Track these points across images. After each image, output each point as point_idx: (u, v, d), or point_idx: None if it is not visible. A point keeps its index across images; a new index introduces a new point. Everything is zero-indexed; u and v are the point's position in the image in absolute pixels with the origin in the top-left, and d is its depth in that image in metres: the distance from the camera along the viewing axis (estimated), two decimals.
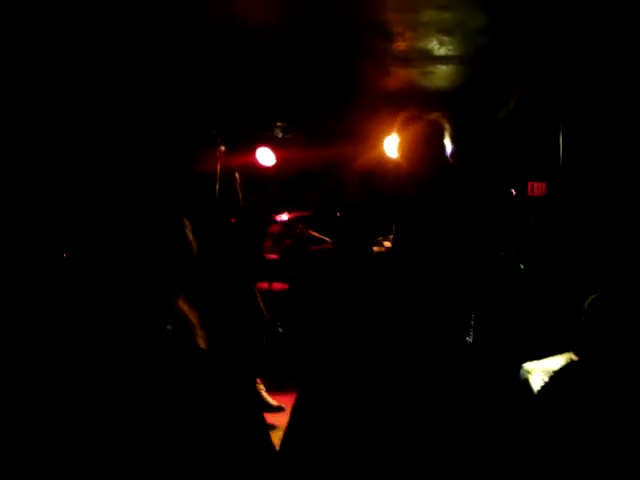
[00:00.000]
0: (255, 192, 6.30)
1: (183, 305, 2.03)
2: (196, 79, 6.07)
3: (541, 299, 4.91)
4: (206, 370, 1.79)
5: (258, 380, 4.65)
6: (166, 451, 1.64)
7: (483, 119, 6.79)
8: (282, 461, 2.97)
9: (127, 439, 1.62)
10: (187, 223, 1.92)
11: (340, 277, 4.85)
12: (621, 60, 5.19)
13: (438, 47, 5.43)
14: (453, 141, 4.05)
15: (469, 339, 3.97)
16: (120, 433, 1.62)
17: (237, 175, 4.91)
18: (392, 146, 5.86)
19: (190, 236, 1.92)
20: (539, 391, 2.77)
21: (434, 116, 4.06)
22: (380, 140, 5.99)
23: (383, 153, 5.93)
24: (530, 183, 5.90)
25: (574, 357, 3.02)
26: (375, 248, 4.54)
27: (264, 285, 5.86)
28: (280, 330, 6.04)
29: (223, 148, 4.69)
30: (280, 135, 6.81)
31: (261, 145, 6.65)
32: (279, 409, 4.54)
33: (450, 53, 5.56)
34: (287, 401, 4.42)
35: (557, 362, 3.13)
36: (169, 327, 1.88)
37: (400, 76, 6.24)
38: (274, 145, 6.75)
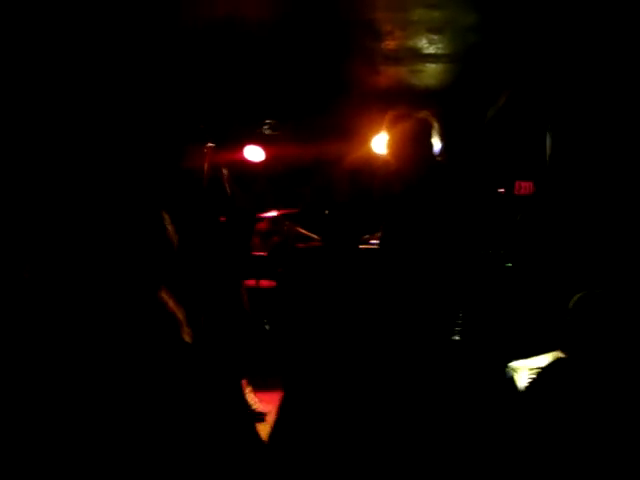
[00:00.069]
0: (243, 189, 6.29)
1: (169, 301, 2.02)
2: (185, 75, 6.05)
3: (528, 297, 4.93)
4: (191, 364, 1.79)
5: (244, 382, 4.63)
6: (153, 441, 1.64)
7: (472, 118, 6.80)
8: (269, 455, 2.97)
9: (112, 430, 1.62)
10: (167, 217, 1.92)
11: (327, 274, 4.85)
12: (609, 59, 5.21)
13: (427, 45, 5.43)
14: (441, 139, 4.06)
15: (457, 337, 3.98)
16: (104, 425, 1.62)
17: (225, 171, 4.90)
18: (381, 144, 5.87)
19: (169, 229, 1.92)
20: (526, 387, 2.79)
21: (423, 114, 4.06)
22: (369, 138, 5.99)
23: (372, 151, 5.94)
24: (517, 182, 5.91)
25: (560, 355, 3.03)
26: (362, 246, 4.55)
27: (251, 282, 5.85)
28: (267, 327, 6.03)
29: (211, 144, 4.68)
30: (269, 132, 6.80)
31: (250, 142, 6.64)
32: (261, 416, 4.49)
33: (439, 51, 5.56)
34: (274, 398, 4.42)
35: (543, 361, 3.15)
36: (155, 321, 1.88)
37: (389, 74, 6.24)
38: (263, 142, 6.74)
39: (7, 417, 1.65)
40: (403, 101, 4.44)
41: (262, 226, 6.32)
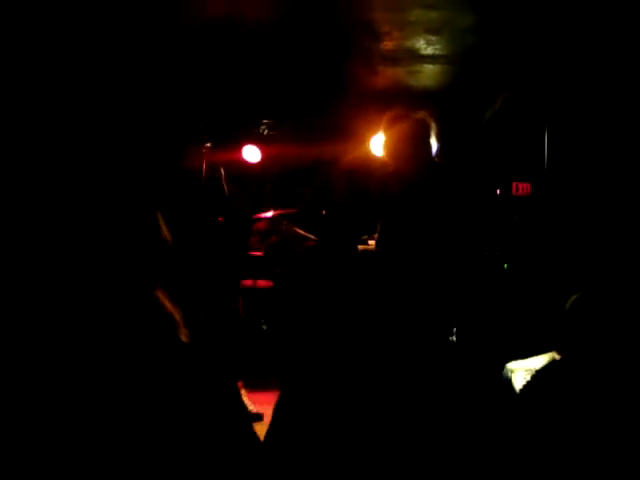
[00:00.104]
0: (241, 189, 6.30)
1: (166, 302, 2.03)
2: (183, 75, 6.05)
3: (524, 298, 4.94)
4: (188, 364, 1.79)
5: (239, 384, 4.63)
6: (149, 441, 1.64)
7: (470, 119, 6.81)
8: (267, 455, 2.97)
9: (108, 431, 1.62)
10: (160, 217, 1.92)
11: (325, 275, 4.85)
12: (607, 61, 5.22)
13: (425, 46, 5.43)
14: (439, 140, 4.06)
15: (453, 338, 3.98)
16: (101, 425, 1.62)
17: (223, 171, 4.90)
18: (378, 144, 5.87)
19: (163, 228, 1.93)
20: (521, 389, 2.79)
21: (421, 115, 4.06)
22: (366, 138, 5.99)
23: (369, 151, 5.94)
24: (515, 183, 5.92)
25: (557, 356, 3.04)
26: (360, 246, 4.55)
27: (248, 282, 5.85)
28: (264, 327, 6.04)
29: (209, 144, 4.69)
30: (267, 132, 6.80)
31: (248, 142, 6.64)
32: (257, 417, 4.51)
33: (437, 52, 5.57)
34: (271, 399, 4.42)
35: (540, 361, 3.15)
36: (151, 321, 1.88)
37: (387, 75, 6.25)
38: (261, 142, 6.75)
39: (4, 417, 1.65)
40: (401, 102, 4.45)
41: (260, 226, 6.33)
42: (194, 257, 4.44)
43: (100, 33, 5.07)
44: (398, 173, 4.09)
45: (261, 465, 1.84)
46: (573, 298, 2.70)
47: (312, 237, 5.69)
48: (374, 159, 5.70)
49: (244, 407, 4.53)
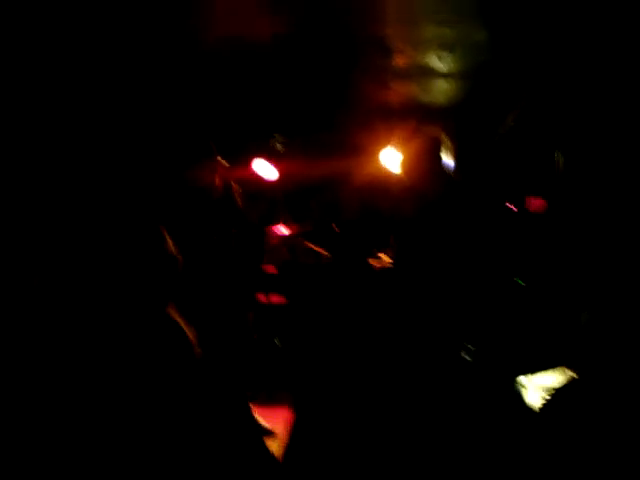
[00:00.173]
0: (253, 205, 6.31)
1: (180, 320, 2.03)
2: (194, 93, 6.08)
3: (538, 314, 4.90)
4: (201, 381, 1.79)
5: (251, 400, 4.62)
6: (163, 456, 1.64)
7: (482, 135, 6.80)
8: (281, 471, 2.97)
9: (122, 447, 1.62)
10: (168, 238, 1.93)
11: (338, 290, 4.85)
12: (622, 76, 5.21)
13: (438, 63, 5.44)
14: (454, 156, 4.06)
15: (467, 356, 3.97)
16: (116, 442, 1.62)
17: (235, 185, 4.91)
18: (391, 160, 5.87)
19: (171, 250, 1.93)
20: (540, 410, 2.77)
21: (435, 131, 4.06)
22: (378, 154, 5.99)
23: (381, 167, 5.94)
24: (529, 199, 5.90)
25: (567, 371, 3.02)
26: (372, 262, 4.55)
27: (262, 298, 5.84)
28: (278, 344, 6.02)
29: (221, 160, 4.70)
30: (278, 148, 6.81)
31: (260, 158, 6.65)
32: (269, 432, 4.49)
33: (450, 69, 5.57)
34: (284, 414, 4.41)
35: (551, 377, 3.13)
36: (165, 339, 1.88)
37: (399, 91, 6.26)
38: (272, 158, 6.76)
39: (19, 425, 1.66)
40: (412, 118, 4.46)
41: (273, 242, 6.33)
42: (206, 273, 4.44)
43: (117, 52, 5.11)
44: (413, 190, 4.08)
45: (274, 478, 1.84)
46: (587, 314, 2.69)
47: (324, 252, 5.69)
48: (386, 175, 5.70)
49: (256, 423, 4.52)
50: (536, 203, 5.86)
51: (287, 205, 7.22)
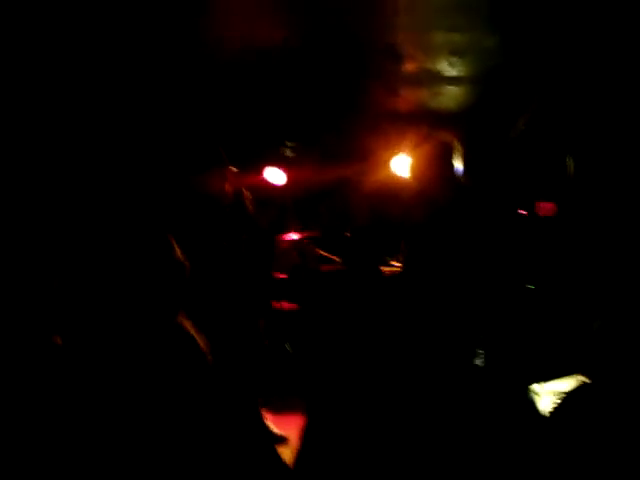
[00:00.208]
0: (263, 211, 6.32)
1: (191, 329, 2.04)
2: (205, 100, 6.10)
3: (550, 320, 4.89)
4: (213, 388, 1.80)
5: (263, 407, 4.62)
6: (174, 464, 1.65)
7: (493, 139, 6.79)
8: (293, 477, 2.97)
9: (132, 456, 1.63)
10: (175, 246, 1.94)
11: (349, 297, 4.84)
12: (633, 81, 5.20)
13: (449, 68, 5.44)
14: (464, 161, 4.05)
15: (479, 362, 3.95)
16: (126, 452, 1.63)
17: (246, 192, 4.92)
18: (401, 166, 5.87)
19: (178, 257, 1.94)
20: (550, 413, 2.76)
21: (446, 136, 4.05)
22: (388, 160, 6.00)
23: (392, 173, 5.94)
24: (539, 203, 5.89)
25: (582, 379, 3.01)
26: (384, 268, 4.54)
27: (272, 304, 5.85)
28: (289, 350, 6.03)
29: (232, 167, 4.70)
30: (289, 154, 6.83)
31: (270, 164, 6.67)
32: (282, 439, 4.49)
33: (461, 74, 5.57)
34: (295, 421, 4.41)
35: (565, 384, 3.12)
36: (176, 347, 1.89)
37: (409, 96, 6.27)
38: (283, 164, 6.78)
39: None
40: (423, 123, 4.46)
41: (283, 248, 6.33)
42: (217, 279, 4.44)
43: (126, 58, 5.13)
44: (423, 195, 4.08)
45: None
46: (601, 320, 2.67)
47: (335, 259, 5.69)
48: (397, 181, 5.70)
49: (268, 430, 4.52)
50: (547, 207, 5.85)
51: (297, 211, 7.24)
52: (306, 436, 3.62)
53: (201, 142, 4.95)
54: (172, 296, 1.90)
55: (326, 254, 5.85)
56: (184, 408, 1.72)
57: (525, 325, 4.69)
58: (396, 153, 5.84)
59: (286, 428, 4.49)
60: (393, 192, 5.76)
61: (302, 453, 3.48)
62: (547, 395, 3.31)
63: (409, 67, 5.44)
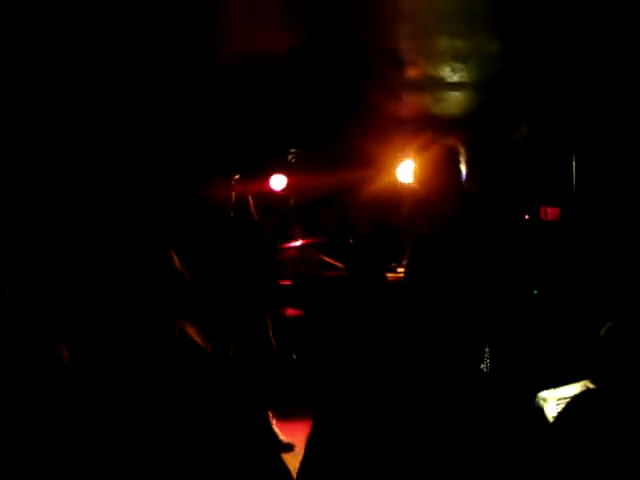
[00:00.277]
0: (267, 218, 6.33)
1: (195, 335, 2.04)
2: (210, 107, 6.10)
3: (555, 325, 4.89)
4: (220, 394, 1.80)
5: (270, 414, 4.62)
6: (181, 472, 1.65)
7: (496, 145, 6.79)
8: None
9: (139, 462, 1.63)
10: (175, 257, 1.95)
11: (353, 303, 4.84)
12: (635, 85, 5.20)
13: (451, 74, 5.44)
14: (468, 166, 4.04)
15: (485, 368, 3.95)
16: (133, 460, 1.63)
17: (251, 200, 4.92)
18: (405, 172, 5.87)
19: (177, 268, 1.95)
20: (555, 418, 2.76)
21: (450, 141, 4.04)
22: (391, 165, 6.00)
23: (395, 179, 5.94)
24: (543, 208, 5.89)
25: (590, 385, 3.00)
26: (389, 274, 4.54)
27: (277, 311, 5.84)
28: (294, 357, 6.03)
29: (237, 176, 4.71)
30: (293, 161, 6.83)
31: (275, 171, 6.68)
32: (289, 447, 4.48)
33: (463, 79, 5.57)
34: (300, 428, 4.39)
35: (573, 390, 3.11)
36: (181, 355, 1.89)
37: (412, 102, 6.26)
38: (288, 171, 6.78)
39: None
40: (426, 129, 4.45)
41: (288, 255, 6.33)
42: (221, 287, 4.44)
43: (130, 66, 5.14)
44: (429, 200, 4.07)
45: None
46: (608, 326, 2.66)
47: (339, 265, 5.69)
48: (400, 187, 5.70)
49: (275, 437, 4.51)
50: (551, 212, 5.85)
51: (301, 218, 7.24)
52: (310, 443, 3.61)
53: (206, 151, 4.97)
54: (171, 305, 1.91)
55: (330, 261, 5.85)
56: (188, 414, 1.72)
57: (531, 331, 4.69)
58: (400, 159, 5.84)
59: (293, 436, 4.49)
60: (397, 198, 5.76)
61: (306, 461, 3.47)
62: (554, 401, 3.30)
63: (412, 73, 5.44)
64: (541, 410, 3.34)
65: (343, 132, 6.73)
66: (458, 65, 5.22)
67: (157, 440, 1.67)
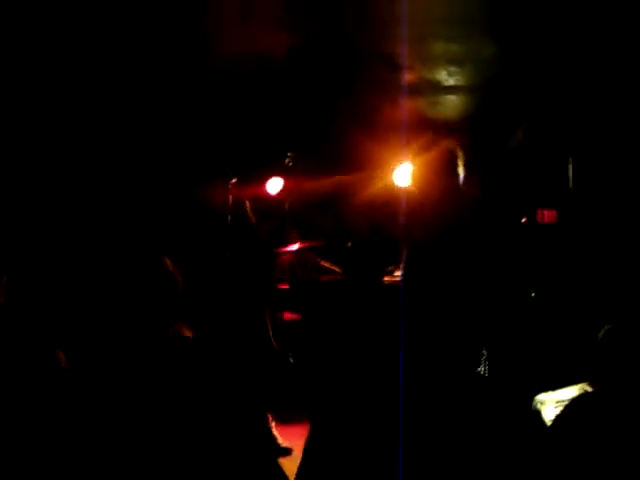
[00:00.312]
0: (264, 222, 6.32)
1: (192, 337, 2.04)
2: (208, 110, 6.10)
3: (553, 328, 4.89)
4: (218, 396, 1.80)
5: (269, 416, 4.62)
6: (178, 472, 1.65)
7: (493, 148, 6.80)
8: None
9: (139, 463, 1.63)
10: (167, 259, 1.96)
11: (351, 307, 4.84)
12: (631, 88, 5.21)
13: (447, 78, 5.45)
14: (466, 169, 4.04)
15: (482, 370, 3.94)
16: (132, 462, 1.63)
17: (248, 203, 4.93)
18: (402, 176, 5.87)
19: (170, 273, 1.96)
20: (553, 421, 2.76)
21: (450, 143, 4.03)
22: (387, 169, 6.00)
23: (392, 182, 5.94)
24: (540, 210, 5.89)
25: (588, 388, 3.00)
26: (386, 278, 4.53)
27: (274, 314, 5.84)
28: (291, 360, 6.02)
29: (234, 180, 4.72)
30: (290, 165, 6.83)
31: (271, 175, 6.68)
32: (287, 451, 4.48)
33: (459, 83, 5.58)
34: (298, 432, 4.39)
35: (570, 393, 3.11)
36: (177, 357, 1.90)
37: (408, 106, 6.26)
38: (284, 175, 6.78)
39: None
40: (423, 132, 4.45)
41: (285, 259, 6.33)
42: (219, 290, 4.45)
43: (128, 69, 5.14)
44: (428, 203, 4.06)
45: None
46: (606, 329, 2.66)
47: (337, 269, 5.69)
48: (398, 190, 5.69)
49: (273, 440, 4.51)
50: (548, 215, 5.86)
51: (298, 222, 7.23)
52: (308, 448, 3.61)
53: (203, 155, 4.97)
54: (164, 309, 1.92)
55: (327, 264, 5.85)
56: (185, 416, 1.72)
57: (529, 333, 4.69)
58: (396, 162, 5.84)
59: (292, 440, 4.48)
60: (394, 202, 5.76)
61: (304, 465, 3.47)
62: (552, 404, 3.30)
63: (408, 77, 5.45)
64: (539, 413, 3.34)
65: (339, 136, 6.73)
66: (454, 69, 5.23)
67: (154, 443, 1.67)
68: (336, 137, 6.78)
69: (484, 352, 4.03)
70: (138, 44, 4.79)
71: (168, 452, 1.67)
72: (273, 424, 4.66)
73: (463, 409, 3.73)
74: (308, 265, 5.80)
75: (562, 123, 5.89)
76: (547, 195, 5.98)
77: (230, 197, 4.67)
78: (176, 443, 1.68)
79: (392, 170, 5.96)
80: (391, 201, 5.54)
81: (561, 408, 2.93)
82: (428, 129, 5.88)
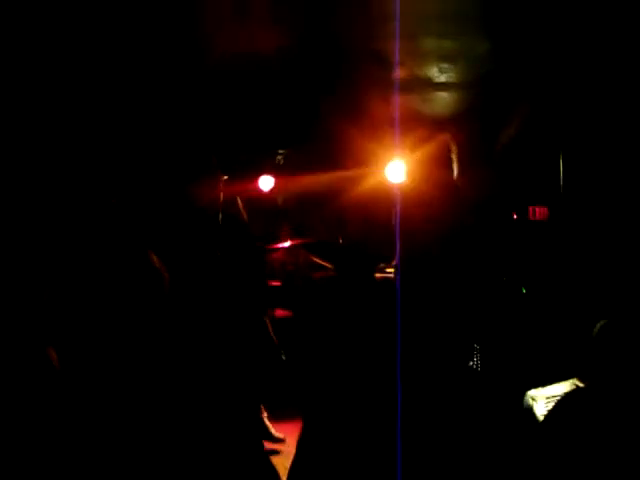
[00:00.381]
0: (257, 219, 6.32)
1: (183, 334, 2.04)
2: (199, 107, 6.09)
3: (544, 324, 4.90)
4: (212, 390, 1.80)
5: (262, 407, 4.63)
6: (172, 466, 1.65)
7: (484, 144, 6.80)
8: None
9: (134, 459, 1.63)
10: (154, 258, 1.96)
11: (343, 304, 4.84)
12: (622, 85, 5.22)
13: (439, 74, 5.45)
14: (458, 165, 4.04)
15: (474, 365, 3.95)
16: (128, 456, 1.63)
17: (239, 200, 4.92)
18: (394, 172, 5.87)
19: (156, 269, 1.96)
20: (544, 417, 2.76)
21: (443, 137, 4.03)
22: (380, 165, 6.00)
23: (385, 179, 5.94)
24: (531, 207, 5.90)
25: (579, 383, 3.01)
26: (378, 275, 4.53)
27: (267, 311, 5.83)
28: (283, 357, 6.02)
29: (224, 177, 4.71)
30: (281, 162, 6.83)
31: (263, 172, 6.68)
32: (280, 440, 4.50)
33: (451, 80, 5.59)
34: (291, 429, 4.40)
35: (561, 389, 3.13)
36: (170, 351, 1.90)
37: (400, 103, 6.26)
38: (276, 172, 6.78)
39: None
40: (415, 129, 4.45)
41: (277, 256, 6.33)
42: (209, 288, 4.44)
43: (120, 65, 5.12)
44: (422, 198, 4.06)
45: None
46: (599, 325, 2.66)
47: (329, 266, 5.69)
48: (389, 187, 5.69)
49: (266, 430, 4.52)
50: (539, 211, 5.87)
51: (290, 218, 7.24)
52: (301, 444, 3.62)
53: (194, 152, 4.95)
54: (152, 306, 1.92)
55: (319, 261, 5.84)
56: (177, 411, 1.72)
57: (520, 329, 4.70)
58: (387, 159, 5.84)
59: (285, 436, 4.49)
60: (386, 198, 5.75)
61: (297, 461, 3.47)
62: (543, 399, 3.31)
63: (400, 73, 5.45)
64: (530, 408, 3.35)
65: (331, 133, 6.73)
66: (446, 65, 5.24)
67: (146, 435, 1.67)
68: (328, 134, 6.78)
69: (476, 347, 4.05)
70: (125, 42, 4.78)
71: (161, 442, 1.67)
72: (265, 414, 4.67)
73: (455, 403, 3.74)
74: (300, 262, 5.80)
75: (553, 120, 5.90)
76: (538, 192, 5.99)
77: (221, 194, 4.66)
78: (169, 435, 1.68)
79: (384, 167, 5.95)
80: (383, 198, 5.55)
81: (553, 404, 2.94)
82: (420, 126, 5.89)
